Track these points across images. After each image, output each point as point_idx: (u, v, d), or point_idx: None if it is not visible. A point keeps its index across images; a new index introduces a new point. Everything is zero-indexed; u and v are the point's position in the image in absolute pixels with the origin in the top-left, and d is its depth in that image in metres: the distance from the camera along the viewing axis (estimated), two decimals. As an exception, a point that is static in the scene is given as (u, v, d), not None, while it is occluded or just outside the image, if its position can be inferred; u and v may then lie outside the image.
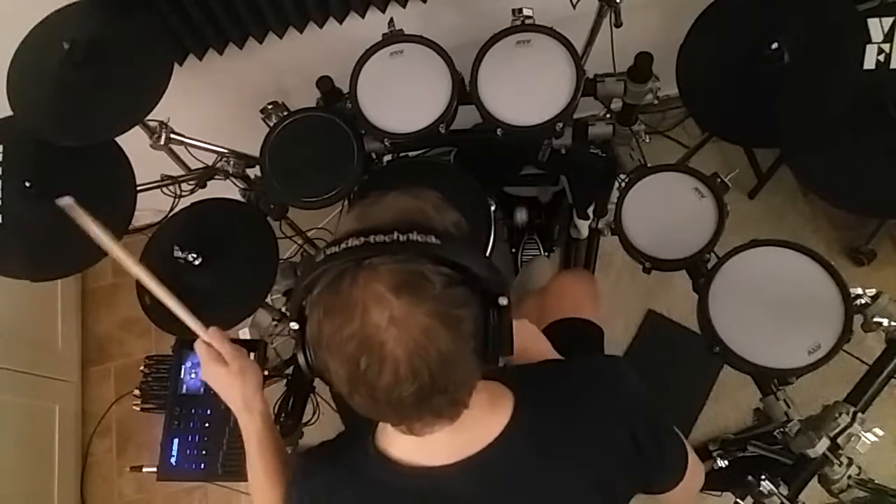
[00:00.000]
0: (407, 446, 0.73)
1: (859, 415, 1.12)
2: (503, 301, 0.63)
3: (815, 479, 1.14)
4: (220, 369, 0.94)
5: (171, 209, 1.56)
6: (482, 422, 0.72)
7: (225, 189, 1.58)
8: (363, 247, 0.59)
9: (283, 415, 1.54)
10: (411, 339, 0.57)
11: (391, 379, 0.58)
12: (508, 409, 0.74)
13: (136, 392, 1.46)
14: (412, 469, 0.73)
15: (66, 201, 0.80)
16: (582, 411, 0.77)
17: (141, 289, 0.95)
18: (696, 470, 0.87)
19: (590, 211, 1.94)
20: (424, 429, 0.68)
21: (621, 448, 0.77)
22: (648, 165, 1.53)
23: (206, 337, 0.95)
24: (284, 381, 1.60)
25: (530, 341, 1.02)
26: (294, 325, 0.67)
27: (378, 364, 0.58)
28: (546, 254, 2.13)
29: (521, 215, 2.07)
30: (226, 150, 1.55)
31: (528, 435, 0.73)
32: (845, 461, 1.10)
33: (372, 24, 1.55)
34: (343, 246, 0.59)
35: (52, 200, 0.82)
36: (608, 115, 1.56)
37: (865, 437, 1.09)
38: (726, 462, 1.76)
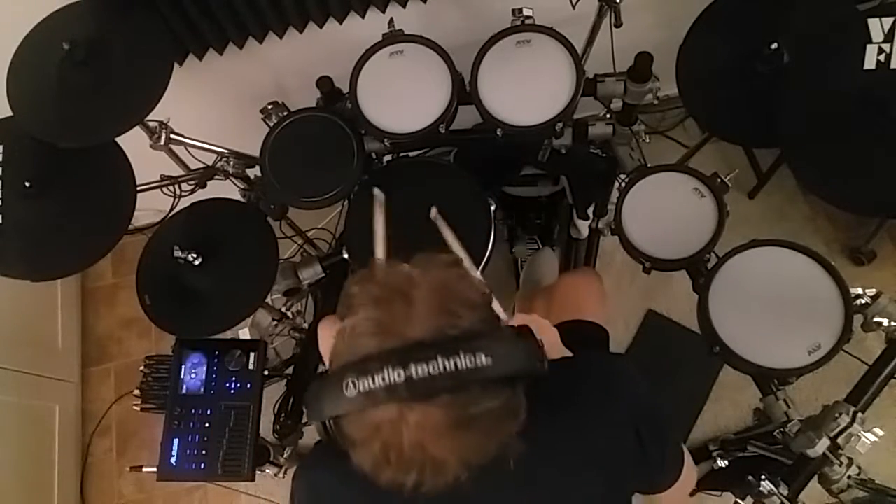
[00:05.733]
0: None
1: (859, 415, 1.12)
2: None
3: (815, 479, 1.15)
4: None
5: (171, 209, 1.56)
6: None
7: (225, 189, 1.58)
8: (406, 385, 0.54)
9: (283, 415, 1.54)
10: (462, 454, 0.59)
11: (438, 482, 0.59)
12: None
13: (136, 392, 1.46)
14: None
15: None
16: (588, 412, 0.78)
17: (141, 289, 0.95)
18: (690, 472, 0.89)
19: (590, 211, 1.94)
20: None
21: (626, 447, 0.78)
22: (648, 165, 1.53)
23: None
24: (284, 381, 1.61)
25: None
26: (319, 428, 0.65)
27: (430, 476, 0.59)
28: (546, 250, 2.13)
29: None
30: (226, 150, 1.55)
31: (536, 436, 0.74)
32: (845, 461, 1.10)
33: (372, 24, 1.55)
34: (381, 381, 0.55)
35: (52, 200, 0.82)
36: (608, 115, 1.56)
37: (865, 437, 1.09)
38: (726, 462, 1.76)
